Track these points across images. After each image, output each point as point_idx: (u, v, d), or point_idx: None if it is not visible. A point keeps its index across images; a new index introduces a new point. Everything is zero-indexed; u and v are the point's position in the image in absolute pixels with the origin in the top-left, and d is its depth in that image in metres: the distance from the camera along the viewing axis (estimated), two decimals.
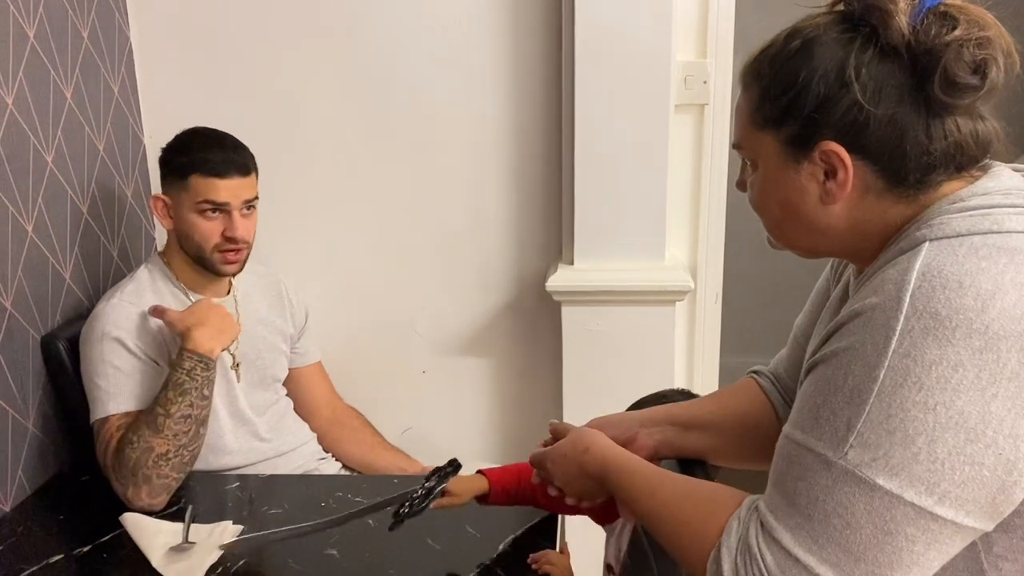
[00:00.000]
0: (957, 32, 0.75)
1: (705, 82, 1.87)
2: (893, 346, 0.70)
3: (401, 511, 1.17)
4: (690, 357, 2.03)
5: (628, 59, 1.76)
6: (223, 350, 1.50)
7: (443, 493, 1.20)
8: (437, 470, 1.21)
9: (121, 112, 1.89)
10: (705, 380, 2.04)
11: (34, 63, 1.56)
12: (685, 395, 1.39)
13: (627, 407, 1.38)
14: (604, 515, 1.35)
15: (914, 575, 0.71)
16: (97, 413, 1.47)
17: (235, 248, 1.56)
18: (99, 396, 1.46)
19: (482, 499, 1.26)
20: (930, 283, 0.70)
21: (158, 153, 1.61)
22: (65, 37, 1.67)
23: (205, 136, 1.57)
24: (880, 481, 0.70)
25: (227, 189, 1.53)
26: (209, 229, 1.54)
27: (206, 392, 1.43)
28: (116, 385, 1.46)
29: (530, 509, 1.34)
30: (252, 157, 1.59)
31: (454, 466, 1.23)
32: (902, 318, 0.70)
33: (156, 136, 1.98)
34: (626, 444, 1.13)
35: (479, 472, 1.27)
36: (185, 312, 1.49)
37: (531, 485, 1.25)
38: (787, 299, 3.82)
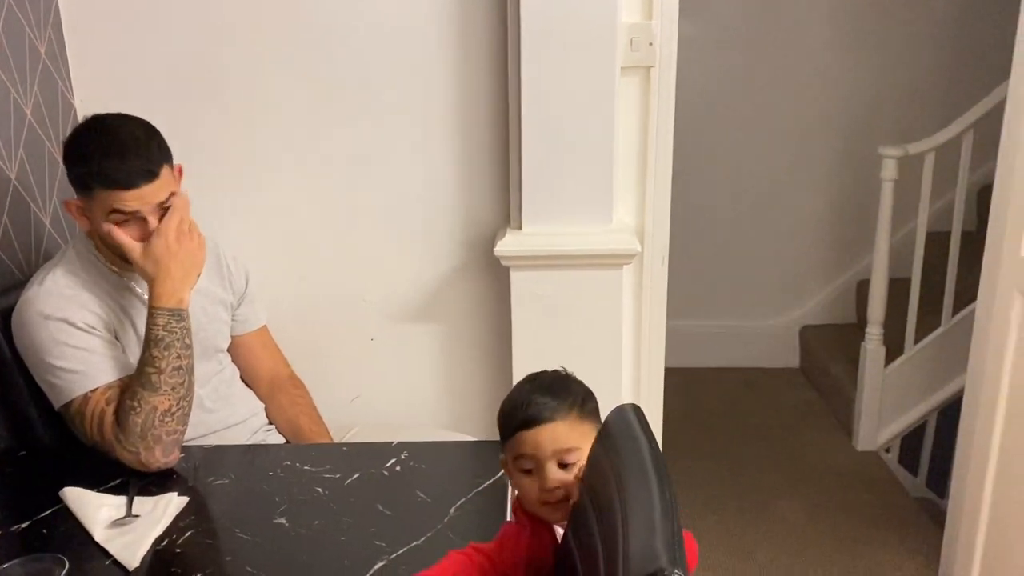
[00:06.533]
0: None
1: (651, 44, 1.86)
2: None
3: None
4: (637, 320, 2.05)
5: (574, 20, 1.74)
6: (191, 290, 1.47)
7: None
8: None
9: (49, 74, 1.81)
10: (652, 343, 2.06)
11: None
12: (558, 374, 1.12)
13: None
14: None
15: None
16: (71, 393, 1.43)
17: None
18: (67, 377, 1.43)
19: None
20: None
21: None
22: None
23: (104, 141, 1.42)
24: None
25: (135, 198, 1.42)
26: (126, 235, 1.45)
27: (187, 341, 1.44)
28: (83, 363, 1.43)
29: (479, 474, 1.35)
30: (160, 154, 1.45)
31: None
32: None
33: (88, 100, 1.90)
34: None
35: None
36: (147, 258, 1.43)
37: None
38: (732, 263, 3.90)
